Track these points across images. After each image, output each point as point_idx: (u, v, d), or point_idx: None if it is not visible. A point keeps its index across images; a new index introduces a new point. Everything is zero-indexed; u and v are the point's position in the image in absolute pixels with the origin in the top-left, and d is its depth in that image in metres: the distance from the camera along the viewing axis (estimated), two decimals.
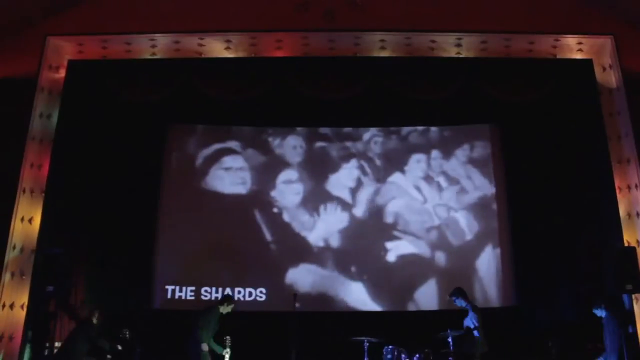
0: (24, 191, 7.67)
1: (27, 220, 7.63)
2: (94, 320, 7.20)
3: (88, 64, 8.38)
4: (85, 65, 8.34)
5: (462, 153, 9.36)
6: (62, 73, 8.31)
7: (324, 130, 9.47)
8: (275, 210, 9.11)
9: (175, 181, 9.23)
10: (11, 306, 7.28)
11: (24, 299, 7.33)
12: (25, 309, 7.30)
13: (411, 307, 8.68)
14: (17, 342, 7.17)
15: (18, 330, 7.22)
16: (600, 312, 7.20)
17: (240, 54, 8.47)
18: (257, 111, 9.07)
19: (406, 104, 8.61)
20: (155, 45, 8.35)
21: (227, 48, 8.39)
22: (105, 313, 7.31)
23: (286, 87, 8.36)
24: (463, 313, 7.49)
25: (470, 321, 7.33)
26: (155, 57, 8.47)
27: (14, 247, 7.45)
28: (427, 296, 8.72)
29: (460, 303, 7.50)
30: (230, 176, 9.23)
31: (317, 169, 9.30)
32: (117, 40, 8.24)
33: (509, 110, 8.91)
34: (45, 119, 8.06)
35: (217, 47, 8.37)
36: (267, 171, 9.28)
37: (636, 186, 7.85)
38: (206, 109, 9.08)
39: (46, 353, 7.29)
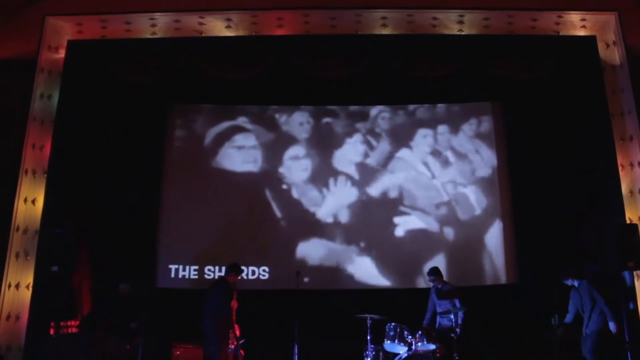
0: (26, 172, 7.68)
1: (30, 201, 7.65)
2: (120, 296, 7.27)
3: (88, 44, 8.31)
4: (85, 45, 8.28)
5: (469, 128, 9.38)
6: (61, 53, 8.26)
7: (330, 106, 9.47)
8: (284, 187, 9.15)
9: (179, 161, 9.25)
10: (17, 286, 7.34)
11: (29, 279, 7.39)
12: (30, 289, 7.37)
13: (420, 283, 8.75)
14: (23, 321, 7.25)
15: (24, 310, 7.29)
16: (571, 282, 7.26)
17: (241, 33, 8.39)
18: (262, 90, 9.05)
19: (410, 82, 8.56)
20: (155, 25, 8.28)
21: (228, 27, 8.32)
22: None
23: (288, 66, 8.31)
24: (468, 290, 7.55)
25: (457, 301, 7.48)
26: (155, 36, 8.41)
27: (18, 228, 7.49)
28: None
29: (440, 284, 7.62)
30: (240, 154, 9.26)
31: (324, 145, 9.33)
32: (116, 20, 8.16)
33: (512, 88, 8.87)
34: (46, 99, 8.03)
35: (218, 26, 8.30)
36: (275, 148, 9.31)
37: (639, 163, 7.85)
38: (209, 89, 9.05)
39: (52, 333, 7.36)
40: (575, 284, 7.27)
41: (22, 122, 7.70)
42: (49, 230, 7.38)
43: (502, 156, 9.26)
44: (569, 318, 7.26)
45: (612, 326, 6.95)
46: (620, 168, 7.96)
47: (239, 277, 7.47)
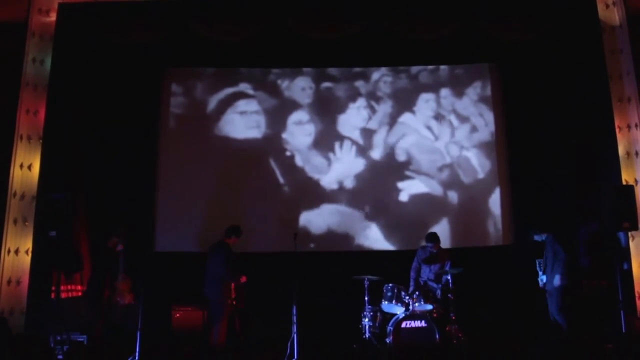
0: (21, 138, 7.64)
1: (27, 167, 7.63)
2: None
3: (79, 6, 8.11)
4: (76, 8, 8.09)
5: (473, 91, 9.33)
6: (52, 17, 8.08)
7: (332, 71, 9.39)
8: (287, 153, 9.15)
9: (177, 125, 9.18)
10: (16, 252, 7.40)
11: (28, 244, 7.44)
12: (29, 254, 7.43)
13: None
14: (24, 286, 7.35)
15: (24, 275, 7.38)
16: (539, 237, 7.29)
17: None
18: (261, 53, 8.92)
19: (409, 43, 8.48)
20: None
21: None
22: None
23: (283, 26, 8.18)
24: (463, 252, 7.63)
25: (448, 264, 7.64)
26: None
27: (15, 194, 7.51)
28: (440, 235, 8.83)
29: (435, 249, 7.73)
30: (243, 120, 9.21)
31: (327, 110, 9.28)
32: None
33: (510, 50, 8.79)
34: (38, 64, 7.92)
35: None
36: (278, 114, 9.26)
37: (636, 125, 7.86)
38: (206, 52, 8.91)
39: (53, 297, 7.43)
40: (543, 238, 7.27)
41: (15, 88, 7.62)
42: (46, 195, 7.37)
43: (500, 119, 9.23)
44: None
45: (557, 279, 7.00)
46: (617, 130, 7.98)
47: (239, 239, 7.48)
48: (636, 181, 7.75)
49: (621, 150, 7.92)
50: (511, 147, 9.11)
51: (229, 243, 7.37)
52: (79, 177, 8.35)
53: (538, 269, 7.29)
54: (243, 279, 7.30)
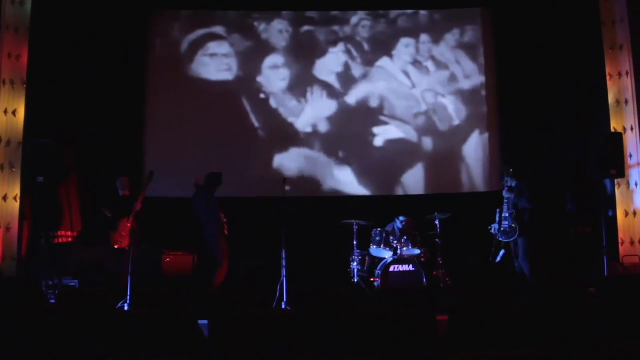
0: (4, 83, 7.47)
1: (11, 112, 7.49)
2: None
3: None
4: None
5: (452, 38, 9.16)
6: None
7: (310, 13, 9.17)
8: (262, 96, 9.02)
9: (160, 69, 8.98)
10: (4, 198, 7.36)
11: (16, 190, 7.40)
12: (18, 200, 7.40)
13: (399, 192, 8.90)
14: (14, 232, 7.35)
15: (14, 221, 7.37)
16: (511, 182, 7.07)
17: None
18: None
19: None
20: None
21: None
22: None
23: None
24: (451, 197, 7.67)
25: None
26: None
27: (1, 140, 7.40)
28: (414, 181, 8.89)
29: None
30: (216, 62, 9.03)
31: (304, 54, 9.10)
32: None
33: None
34: (18, 5, 7.64)
35: None
36: (253, 57, 9.08)
37: (627, 73, 7.82)
38: None
39: (43, 242, 7.45)
40: (513, 184, 7.09)
41: None
42: (32, 141, 7.29)
43: (489, 64, 9.12)
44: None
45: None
46: (608, 77, 7.95)
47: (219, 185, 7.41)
48: (624, 129, 7.78)
49: (611, 98, 7.92)
50: (500, 94, 9.04)
51: (208, 189, 7.30)
52: (65, 122, 8.23)
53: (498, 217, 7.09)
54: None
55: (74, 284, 7.11)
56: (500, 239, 7.03)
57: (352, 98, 9.06)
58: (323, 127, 9.01)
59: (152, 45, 9.01)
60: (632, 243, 7.63)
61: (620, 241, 7.67)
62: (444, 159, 8.94)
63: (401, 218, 7.65)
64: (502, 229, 6.99)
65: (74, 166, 8.28)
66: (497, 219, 7.06)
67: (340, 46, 9.14)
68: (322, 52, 9.11)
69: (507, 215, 6.97)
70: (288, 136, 8.97)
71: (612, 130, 7.76)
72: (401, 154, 8.97)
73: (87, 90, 8.35)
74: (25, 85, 7.56)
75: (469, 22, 9.21)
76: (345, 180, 8.94)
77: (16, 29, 7.59)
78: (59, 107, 8.12)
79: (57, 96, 8.07)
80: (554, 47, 8.51)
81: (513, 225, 6.93)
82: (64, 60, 8.12)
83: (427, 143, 9.01)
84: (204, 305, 4.74)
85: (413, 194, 8.82)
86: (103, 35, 8.42)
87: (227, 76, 9.04)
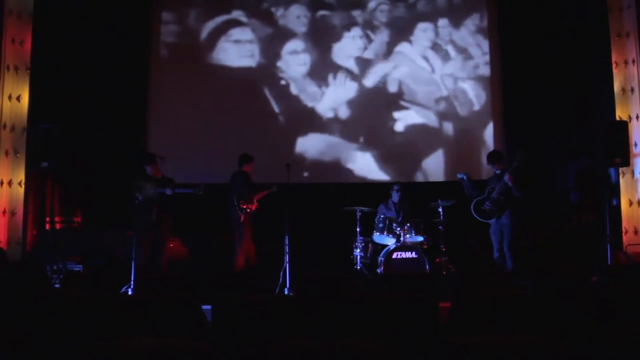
0: (8, 68, 7.47)
1: (15, 98, 7.51)
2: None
3: None
4: None
5: (471, 22, 9.11)
6: None
7: None
8: (282, 82, 9.03)
9: (166, 54, 8.99)
10: (9, 183, 7.40)
11: (21, 176, 7.45)
12: (23, 185, 7.45)
13: (418, 177, 8.89)
14: (19, 217, 7.42)
15: (19, 206, 7.44)
16: (496, 168, 6.97)
17: None
18: None
19: None
20: None
21: None
22: None
23: None
24: (455, 184, 7.65)
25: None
26: None
27: (5, 126, 7.43)
28: (434, 166, 8.86)
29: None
30: (237, 48, 9.05)
31: (323, 39, 9.09)
32: None
33: None
34: None
35: None
36: (273, 42, 9.09)
37: (633, 61, 7.76)
38: None
39: (48, 228, 7.50)
40: (498, 172, 6.97)
41: None
42: (36, 126, 7.30)
43: (496, 51, 9.06)
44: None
45: (506, 215, 6.82)
46: (614, 65, 7.88)
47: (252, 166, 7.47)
48: (630, 117, 7.74)
49: (616, 86, 7.86)
50: (506, 81, 8.98)
51: (243, 171, 7.39)
52: (70, 108, 8.22)
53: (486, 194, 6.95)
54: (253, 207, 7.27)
55: (78, 269, 7.15)
56: (475, 215, 6.96)
57: (372, 83, 9.04)
58: (343, 113, 9.01)
59: (158, 30, 8.99)
60: (635, 232, 7.62)
61: (624, 230, 7.65)
62: (463, 145, 8.92)
63: (396, 187, 7.64)
64: (483, 207, 6.92)
65: (76, 150, 8.28)
66: (486, 194, 6.97)
67: (359, 31, 9.12)
68: (341, 37, 9.10)
69: (495, 196, 6.85)
70: (309, 121, 8.98)
71: (617, 118, 7.71)
72: (422, 139, 8.95)
73: (92, 76, 8.34)
74: (29, 71, 7.58)
75: (481, 7, 9.14)
76: (366, 165, 8.92)
77: (19, 15, 7.58)
78: (63, 93, 8.11)
79: (61, 81, 8.07)
80: (561, 34, 8.44)
81: (494, 209, 6.87)
82: (68, 45, 8.11)
83: (448, 128, 8.98)
84: (207, 290, 4.76)
85: (434, 180, 8.80)
86: (108, 20, 8.39)
87: (250, 62, 9.06)
